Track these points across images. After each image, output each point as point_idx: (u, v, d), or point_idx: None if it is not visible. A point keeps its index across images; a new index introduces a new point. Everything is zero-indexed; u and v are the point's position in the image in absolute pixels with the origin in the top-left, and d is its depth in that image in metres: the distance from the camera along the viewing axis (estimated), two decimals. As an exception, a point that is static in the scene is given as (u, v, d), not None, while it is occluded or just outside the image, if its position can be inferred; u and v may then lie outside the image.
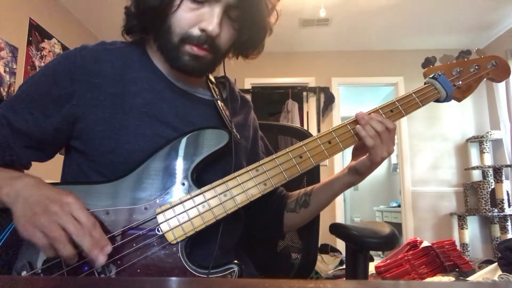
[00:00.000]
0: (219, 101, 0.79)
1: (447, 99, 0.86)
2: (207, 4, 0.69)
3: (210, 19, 0.68)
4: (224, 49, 0.75)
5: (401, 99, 0.81)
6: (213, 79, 0.87)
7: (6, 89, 2.75)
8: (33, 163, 0.75)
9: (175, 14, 0.69)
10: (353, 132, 0.76)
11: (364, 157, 0.77)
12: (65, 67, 0.71)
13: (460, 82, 0.87)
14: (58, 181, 0.75)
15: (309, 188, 0.88)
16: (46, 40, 3.27)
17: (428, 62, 0.88)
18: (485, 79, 0.90)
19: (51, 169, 0.91)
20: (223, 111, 0.78)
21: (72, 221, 0.55)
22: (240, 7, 0.71)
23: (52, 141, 0.73)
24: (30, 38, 3.05)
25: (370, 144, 0.73)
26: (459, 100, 0.89)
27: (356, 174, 0.80)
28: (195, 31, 0.69)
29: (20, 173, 0.66)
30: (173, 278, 0.59)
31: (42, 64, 3.18)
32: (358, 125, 0.75)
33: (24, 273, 0.59)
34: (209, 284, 0.44)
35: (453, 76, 0.87)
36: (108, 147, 0.68)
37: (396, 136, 4.95)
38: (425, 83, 0.86)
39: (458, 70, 0.87)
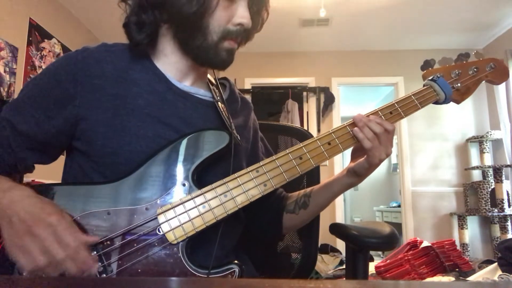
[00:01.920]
0: (219, 103, 0.79)
1: (446, 101, 0.86)
2: None
3: (243, 14, 0.72)
4: None
5: (400, 101, 0.81)
6: (213, 80, 0.87)
7: (6, 89, 2.75)
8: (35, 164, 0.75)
9: (213, 14, 0.71)
10: (352, 134, 0.77)
11: (362, 159, 0.78)
12: (67, 68, 0.71)
13: (459, 84, 0.87)
14: (59, 181, 0.75)
15: (308, 189, 0.88)
16: (46, 40, 3.27)
17: (427, 65, 0.89)
18: (483, 81, 0.91)
19: (52, 169, 0.91)
20: (223, 112, 0.78)
21: (55, 246, 0.55)
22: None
23: (55, 143, 0.73)
24: (30, 38, 3.05)
25: (368, 146, 0.74)
26: (457, 102, 0.89)
27: (355, 176, 0.80)
28: (232, 27, 0.73)
29: (10, 184, 0.63)
30: (173, 278, 0.60)
31: (42, 64, 3.19)
32: (355, 128, 0.76)
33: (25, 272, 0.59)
34: (209, 284, 0.44)
35: (452, 79, 0.87)
36: (110, 148, 0.69)
37: (396, 136, 4.92)
38: (424, 85, 0.87)
39: (457, 73, 0.87)
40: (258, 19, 0.82)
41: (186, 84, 0.79)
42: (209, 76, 0.87)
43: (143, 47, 0.75)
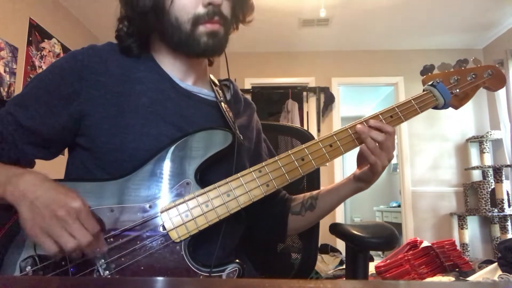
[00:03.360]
0: (222, 103, 0.80)
1: (444, 106, 0.88)
2: None
3: None
4: (229, 17, 0.77)
5: (400, 105, 0.83)
6: (216, 81, 0.87)
7: (6, 89, 2.76)
8: (37, 161, 0.75)
9: (175, 5, 0.70)
10: (353, 137, 0.78)
11: (366, 168, 0.79)
12: (73, 65, 0.71)
13: (458, 90, 0.88)
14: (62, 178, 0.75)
15: (314, 192, 0.89)
16: (46, 40, 3.27)
17: (426, 70, 0.90)
18: (481, 87, 0.92)
19: (53, 168, 0.91)
20: (226, 112, 0.78)
21: (80, 230, 0.56)
22: None
23: (59, 139, 0.73)
24: (30, 38, 3.05)
25: (372, 161, 0.75)
26: (456, 107, 0.91)
27: (361, 182, 0.82)
28: (201, 10, 0.71)
29: (23, 169, 0.64)
30: (174, 278, 0.60)
31: (42, 64, 3.19)
32: (362, 145, 0.77)
33: (28, 268, 0.60)
34: (210, 284, 0.44)
35: (451, 84, 0.88)
36: (113, 144, 0.69)
37: (396, 136, 4.92)
38: (423, 90, 0.88)
39: (456, 78, 0.89)
40: None
41: (189, 83, 0.80)
42: (212, 77, 0.88)
43: (134, 51, 0.76)
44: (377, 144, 0.75)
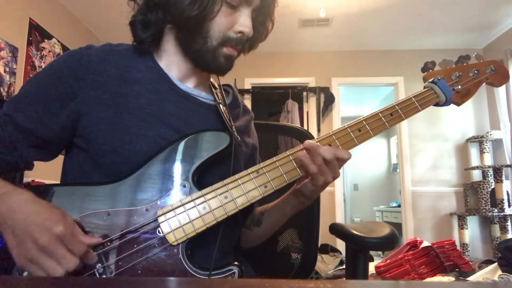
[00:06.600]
0: (221, 105, 0.79)
1: (446, 103, 0.86)
2: (240, 7, 0.73)
3: (245, 22, 0.73)
4: None
5: (400, 103, 0.81)
6: (216, 85, 0.87)
7: (6, 89, 2.75)
8: (35, 162, 0.75)
9: (214, 20, 0.71)
10: (353, 135, 0.76)
11: (307, 180, 0.74)
12: (70, 65, 0.71)
13: (460, 87, 0.87)
14: (58, 181, 0.75)
15: (265, 206, 0.87)
16: (46, 40, 3.27)
17: (427, 67, 0.89)
18: (484, 83, 0.91)
19: (52, 169, 0.91)
20: (225, 114, 0.78)
21: (65, 256, 0.55)
22: (259, 9, 0.77)
23: (57, 140, 0.72)
24: (30, 38, 3.05)
25: (313, 171, 0.70)
26: (458, 104, 0.89)
27: (302, 197, 0.78)
28: (232, 34, 0.73)
29: (5, 187, 0.60)
30: (173, 278, 0.59)
31: (42, 64, 3.18)
32: (302, 153, 0.71)
33: (25, 273, 0.59)
34: (209, 284, 0.44)
35: (453, 81, 0.87)
36: (110, 146, 0.68)
37: (396, 136, 4.89)
38: (424, 87, 0.87)
39: (457, 75, 0.87)
40: (262, 29, 0.83)
41: (189, 86, 0.79)
42: (212, 80, 0.87)
43: (146, 46, 0.75)
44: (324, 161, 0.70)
